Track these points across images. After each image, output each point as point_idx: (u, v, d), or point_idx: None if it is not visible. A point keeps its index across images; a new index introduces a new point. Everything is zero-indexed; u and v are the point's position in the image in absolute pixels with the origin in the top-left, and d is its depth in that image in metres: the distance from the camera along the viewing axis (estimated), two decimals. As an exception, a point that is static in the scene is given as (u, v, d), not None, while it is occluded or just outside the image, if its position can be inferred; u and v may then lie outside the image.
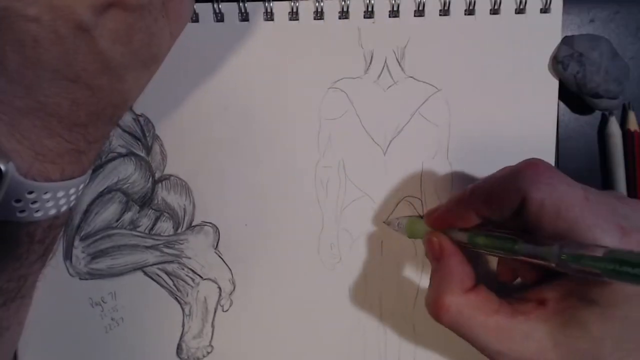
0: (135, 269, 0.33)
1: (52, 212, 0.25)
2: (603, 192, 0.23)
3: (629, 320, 0.21)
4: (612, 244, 0.20)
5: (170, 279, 0.34)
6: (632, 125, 0.33)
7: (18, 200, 0.22)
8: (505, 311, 0.23)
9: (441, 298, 0.23)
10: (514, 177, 0.22)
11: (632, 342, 0.22)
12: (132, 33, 0.23)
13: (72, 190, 0.25)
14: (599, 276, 0.18)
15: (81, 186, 0.26)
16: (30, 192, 0.22)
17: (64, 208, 0.25)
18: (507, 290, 0.26)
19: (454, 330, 0.24)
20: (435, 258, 0.26)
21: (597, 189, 0.23)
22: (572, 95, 0.33)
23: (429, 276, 0.26)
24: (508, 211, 0.23)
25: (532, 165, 0.22)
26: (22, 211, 0.23)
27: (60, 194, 0.24)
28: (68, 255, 0.33)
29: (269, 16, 0.32)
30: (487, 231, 0.24)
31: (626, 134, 0.33)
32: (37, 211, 0.23)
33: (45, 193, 0.23)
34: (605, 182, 0.34)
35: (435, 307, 0.24)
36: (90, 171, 0.27)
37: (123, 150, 0.33)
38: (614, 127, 0.33)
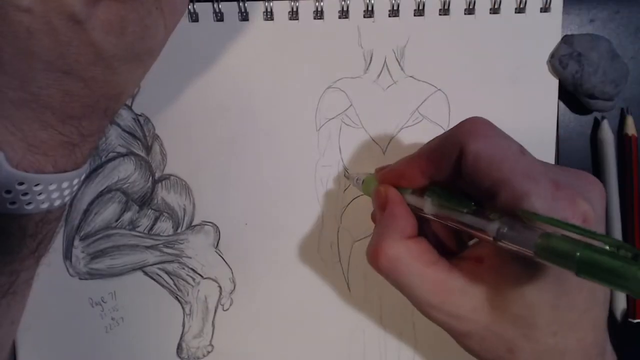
0: (135, 269, 0.33)
1: (45, 205, 0.24)
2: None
3: (563, 286, 0.20)
4: (545, 196, 0.19)
5: (171, 278, 0.34)
6: (630, 129, 0.33)
7: (8, 192, 0.22)
8: (443, 265, 0.23)
9: (381, 243, 0.23)
10: (454, 133, 0.23)
11: (568, 313, 0.21)
12: (125, 25, 0.23)
13: (65, 185, 0.25)
14: (533, 257, 0.18)
15: (75, 181, 0.26)
16: (21, 184, 0.23)
17: (57, 202, 0.25)
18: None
19: (390, 279, 0.23)
20: (381, 207, 0.26)
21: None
22: (571, 95, 0.33)
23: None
24: (448, 165, 0.23)
25: (470, 121, 0.23)
26: (12, 203, 0.23)
27: (52, 187, 0.24)
28: (68, 255, 0.33)
29: (269, 16, 0.32)
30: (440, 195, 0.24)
31: (623, 139, 0.33)
32: (28, 204, 0.23)
33: (36, 185, 0.23)
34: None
35: (374, 252, 0.23)
36: (85, 167, 0.27)
37: (123, 150, 0.33)
38: (605, 132, 0.33)
